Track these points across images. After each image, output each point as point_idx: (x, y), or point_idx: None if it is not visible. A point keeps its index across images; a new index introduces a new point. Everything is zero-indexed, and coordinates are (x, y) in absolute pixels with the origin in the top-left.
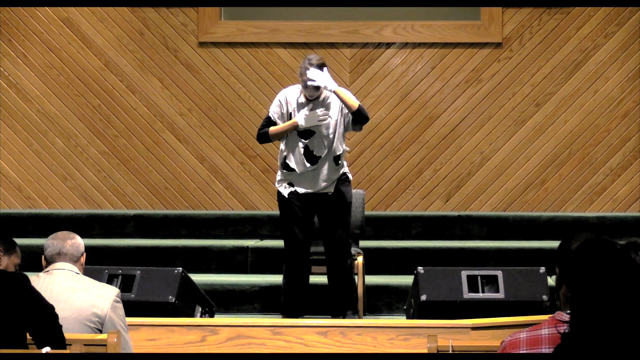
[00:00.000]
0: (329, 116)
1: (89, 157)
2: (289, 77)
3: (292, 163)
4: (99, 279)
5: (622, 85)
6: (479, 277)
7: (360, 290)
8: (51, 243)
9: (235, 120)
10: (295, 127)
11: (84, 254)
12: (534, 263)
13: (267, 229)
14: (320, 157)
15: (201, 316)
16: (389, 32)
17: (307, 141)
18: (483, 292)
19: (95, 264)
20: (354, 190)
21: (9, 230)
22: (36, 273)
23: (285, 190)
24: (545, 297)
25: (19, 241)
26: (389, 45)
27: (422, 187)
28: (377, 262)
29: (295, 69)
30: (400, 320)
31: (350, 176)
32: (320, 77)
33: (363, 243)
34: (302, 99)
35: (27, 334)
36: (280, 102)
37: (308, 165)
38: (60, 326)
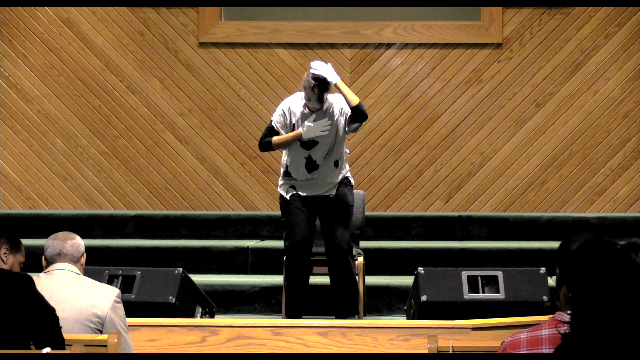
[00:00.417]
0: (331, 124)
1: (89, 157)
2: (289, 78)
3: (294, 173)
4: (99, 280)
5: (622, 86)
6: (479, 278)
7: (360, 290)
8: (51, 243)
9: (235, 120)
10: (299, 138)
11: (84, 255)
12: (534, 263)
13: (267, 230)
14: (320, 164)
15: (201, 317)
16: (389, 33)
17: (309, 151)
18: (483, 292)
19: (96, 264)
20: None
21: (10, 231)
22: (36, 273)
23: (288, 193)
24: (545, 298)
25: None
26: (389, 45)
27: (422, 187)
28: (378, 262)
29: (296, 69)
30: (401, 320)
31: (352, 180)
32: (323, 68)
33: (363, 243)
34: (306, 110)
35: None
36: (283, 111)
37: (310, 174)
38: (60, 329)
